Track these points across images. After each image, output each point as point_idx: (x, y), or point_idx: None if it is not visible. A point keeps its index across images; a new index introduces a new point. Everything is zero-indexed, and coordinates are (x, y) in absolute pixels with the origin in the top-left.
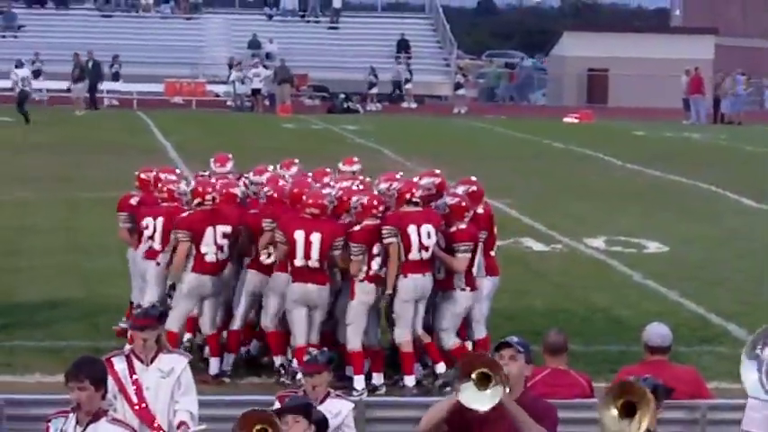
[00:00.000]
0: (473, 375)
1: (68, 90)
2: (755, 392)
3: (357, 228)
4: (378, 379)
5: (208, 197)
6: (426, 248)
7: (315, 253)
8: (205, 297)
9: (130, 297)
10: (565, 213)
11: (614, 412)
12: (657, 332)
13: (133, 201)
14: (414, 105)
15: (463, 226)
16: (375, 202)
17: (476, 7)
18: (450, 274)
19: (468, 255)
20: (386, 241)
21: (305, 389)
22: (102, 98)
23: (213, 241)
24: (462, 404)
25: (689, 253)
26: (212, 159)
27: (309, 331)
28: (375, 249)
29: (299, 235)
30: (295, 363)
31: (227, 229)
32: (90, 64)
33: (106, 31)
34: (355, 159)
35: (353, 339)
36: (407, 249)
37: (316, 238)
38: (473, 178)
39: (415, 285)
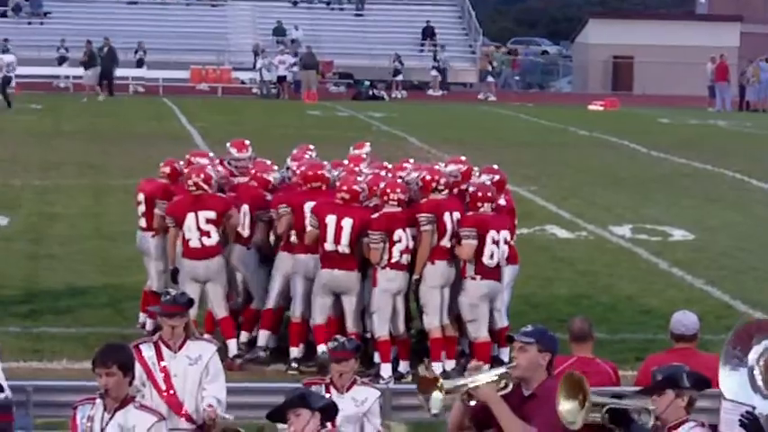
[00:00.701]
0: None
1: (81, 77)
2: (736, 396)
3: (376, 215)
4: (404, 367)
5: (189, 182)
6: (455, 235)
7: (345, 239)
8: (202, 281)
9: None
10: (590, 201)
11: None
12: (684, 320)
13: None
14: (439, 93)
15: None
16: (396, 189)
17: None
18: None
19: (473, 242)
20: (423, 228)
21: (331, 376)
22: (128, 85)
23: (196, 227)
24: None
25: (715, 241)
26: (229, 144)
27: (345, 319)
28: (395, 236)
29: (330, 220)
30: (322, 348)
31: (211, 214)
32: (105, 50)
33: (131, 17)
34: (366, 143)
35: (380, 327)
36: (441, 236)
37: (347, 223)
38: (495, 167)
39: (442, 271)
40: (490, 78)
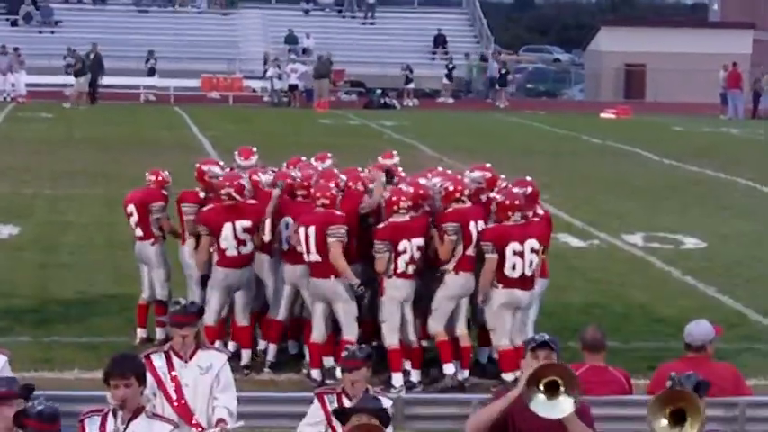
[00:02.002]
0: (541, 385)
1: (72, 85)
2: None
3: (381, 225)
4: (416, 376)
5: (223, 192)
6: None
7: (312, 246)
8: (234, 289)
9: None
10: (603, 209)
11: (664, 422)
12: (696, 329)
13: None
14: (450, 101)
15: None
16: (402, 198)
17: (513, 2)
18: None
19: (492, 256)
20: (449, 238)
21: (344, 385)
22: (139, 93)
23: (233, 236)
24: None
25: (727, 249)
26: (236, 152)
27: (348, 326)
28: (400, 247)
29: (301, 230)
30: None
31: (247, 223)
32: (91, 57)
33: (142, 26)
34: (394, 153)
35: (389, 337)
36: (466, 246)
37: (311, 231)
38: (528, 178)
39: (464, 282)
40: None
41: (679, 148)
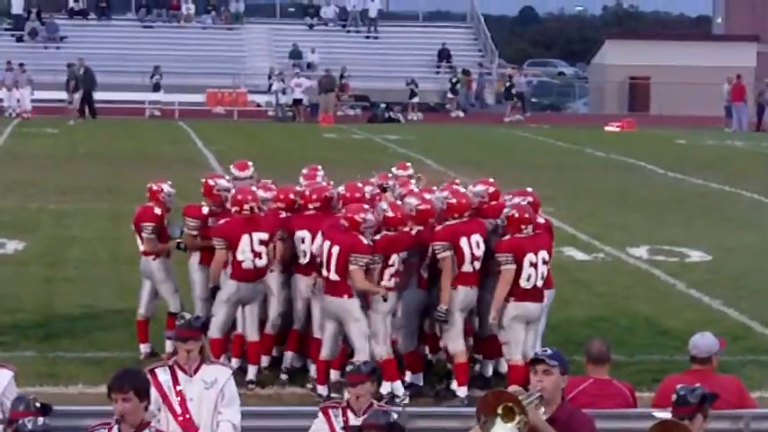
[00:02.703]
0: (498, 410)
1: (70, 102)
2: None
3: (378, 236)
4: (416, 379)
5: (246, 206)
6: (477, 259)
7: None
8: (245, 303)
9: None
10: (607, 222)
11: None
12: (700, 342)
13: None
14: (461, 114)
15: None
16: (398, 215)
17: (517, 16)
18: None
19: (511, 266)
20: (440, 256)
21: (348, 399)
22: (144, 108)
23: (250, 249)
24: None
25: (732, 262)
26: (232, 165)
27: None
28: (390, 260)
29: (325, 245)
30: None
31: (264, 236)
32: (82, 71)
33: (147, 41)
34: (408, 164)
35: (379, 349)
36: (460, 262)
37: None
38: (529, 189)
39: (464, 297)
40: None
41: (684, 160)
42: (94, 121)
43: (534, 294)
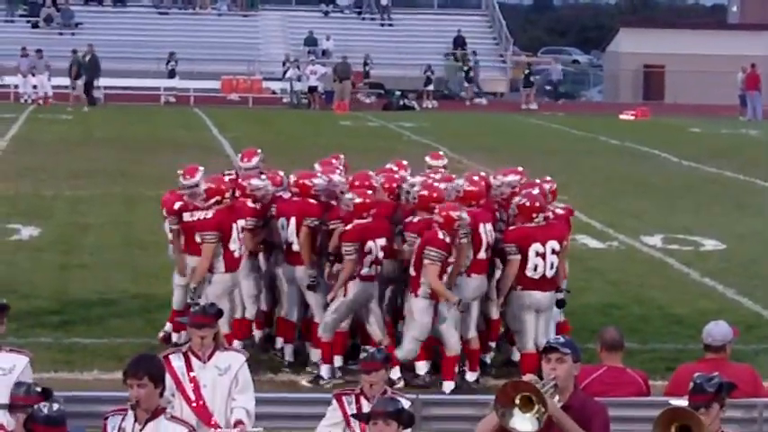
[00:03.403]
0: (516, 401)
1: (74, 88)
2: None
3: (350, 226)
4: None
5: (227, 195)
6: (490, 246)
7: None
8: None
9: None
10: (621, 211)
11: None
12: (714, 331)
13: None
14: (484, 102)
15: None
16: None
17: (532, 3)
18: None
19: (516, 257)
20: (463, 241)
21: (362, 386)
22: (159, 95)
23: (237, 237)
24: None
25: (746, 250)
26: (240, 155)
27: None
28: (366, 247)
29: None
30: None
31: (243, 222)
32: (87, 59)
33: (162, 28)
34: (441, 153)
35: (327, 330)
36: (477, 249)
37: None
38: (548, 177)
39: (478, 285)
40: (528, 89)
41: (698, 149)
42: (93, 109)
43: (543, 284)
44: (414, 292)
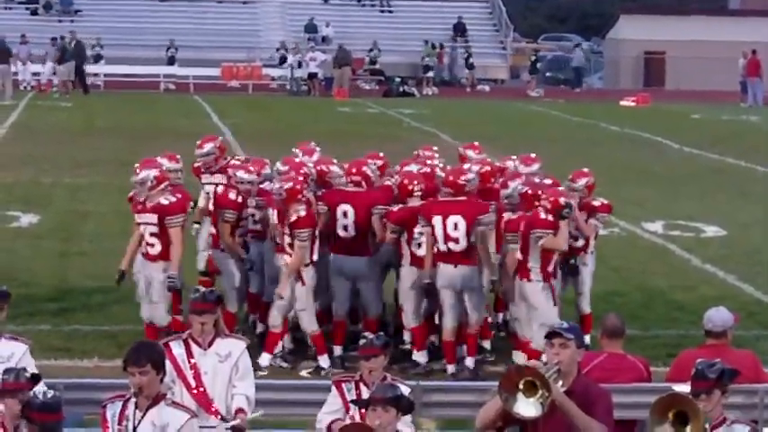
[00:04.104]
0: (520, 386)
1: (54, 73)
2: None
3: (303, 214)
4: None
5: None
6: (452, 239)
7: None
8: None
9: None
10: (622, 197)
11: (667, 426)
12: (715, 316)
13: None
14: (487, 89)
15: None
16: (298, 187)
17: None
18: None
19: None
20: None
21: (361, 373)
22: (159, 82)
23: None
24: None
25: (747, 237)
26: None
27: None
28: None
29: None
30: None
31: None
32: (73, 45)
33: (162, 15)
34: (533, 156)
35: (310, 323)
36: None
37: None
38: (585, 170)
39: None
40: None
41: (699, 135)
42: (86, 96)
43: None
44: (525, 277)
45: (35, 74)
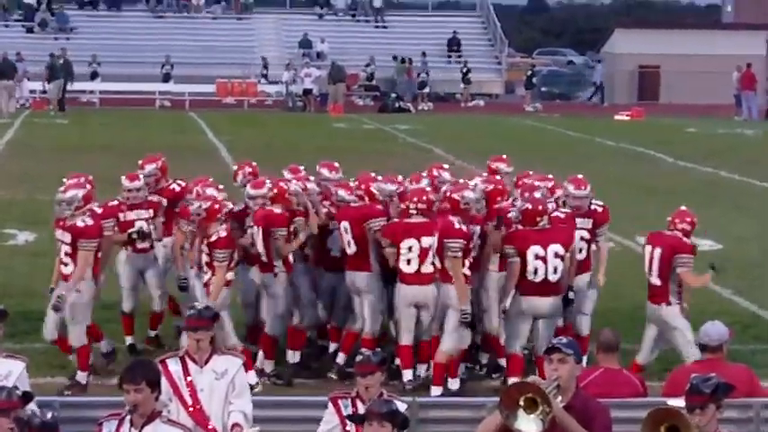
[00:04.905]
0: (521, 402)
1: (44, 91)
2: None
3: (223, 234)
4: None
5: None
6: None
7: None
8: None
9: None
10: (617, 211)
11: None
12: (711, 331)
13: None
14: (482, 104)
15: None
16: (217, 207)
17: (526, 5)
18: None
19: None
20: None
21: (358, 390)
22: (154, 99)
23: None
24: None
25: (742, 250)
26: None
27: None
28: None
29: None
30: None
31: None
32: (61, 62)
33: (158, 32)
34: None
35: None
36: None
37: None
38: (580, 176)
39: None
40: (521, 90)
41: (693, 149)
42: (81, 114)
43: (542, 289)
44: (664, 302)
45: (32, 91)
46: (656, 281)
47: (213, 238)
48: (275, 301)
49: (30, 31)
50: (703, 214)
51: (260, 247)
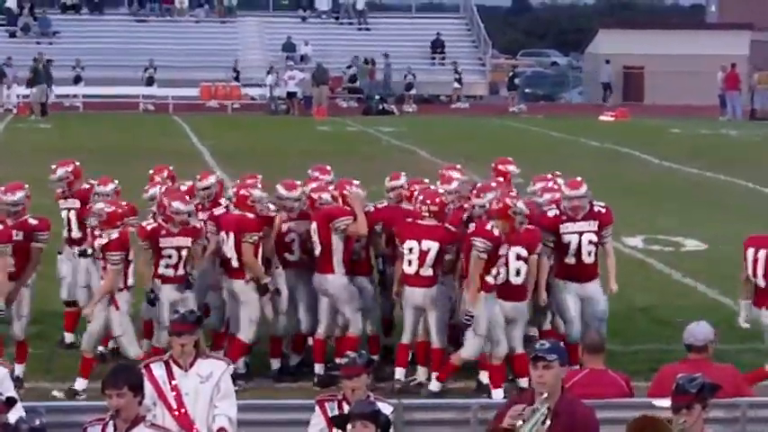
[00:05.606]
0: None
1: (26, 96)
2: None
3: (115, 236)
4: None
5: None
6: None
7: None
8: None
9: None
10: None
11: None
12: (696, 331)
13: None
14: (467, 105)
15: None
16: (120, 212)
17: (510, 6)
18: None
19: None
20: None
21: (344, 392)
22: (138, 103)
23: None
24: None
25: (727, 250)
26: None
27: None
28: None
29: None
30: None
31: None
32: (41, 67)
33: (141, 36)
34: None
35: (132, 348)
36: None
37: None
38: (578, 179)
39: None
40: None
41: (678, 149)
42: (43, 119)
43: (508, 292)
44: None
45: (19, 96)
46: (761, 282)
47: (105, 241)
48: (249, 307)
49: (12, 35)
50: (688, 215)
51: (230, 252)
